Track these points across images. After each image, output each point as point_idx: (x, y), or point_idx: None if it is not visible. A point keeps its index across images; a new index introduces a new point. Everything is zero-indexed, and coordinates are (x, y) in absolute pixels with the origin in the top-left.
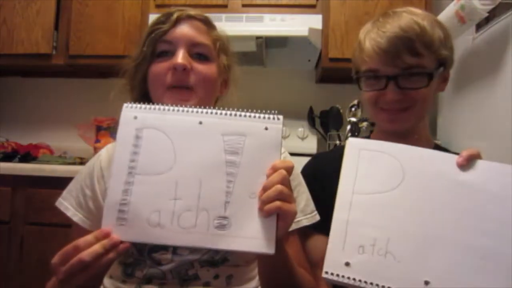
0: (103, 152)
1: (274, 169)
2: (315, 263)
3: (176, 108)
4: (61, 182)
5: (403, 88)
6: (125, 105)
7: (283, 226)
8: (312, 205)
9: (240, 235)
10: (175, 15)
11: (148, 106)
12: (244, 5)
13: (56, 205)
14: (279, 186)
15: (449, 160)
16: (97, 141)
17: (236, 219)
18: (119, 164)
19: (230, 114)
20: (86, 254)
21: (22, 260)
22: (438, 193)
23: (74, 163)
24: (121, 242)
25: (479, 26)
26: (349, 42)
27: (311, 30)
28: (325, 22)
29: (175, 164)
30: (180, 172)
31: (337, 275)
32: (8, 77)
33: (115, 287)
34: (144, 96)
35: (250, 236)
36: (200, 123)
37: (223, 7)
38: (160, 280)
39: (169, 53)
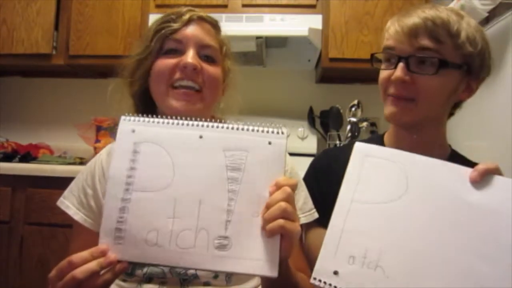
0: (104, 152)
1: (278, 187)
2: (314, 259)
3: (176, 122)
4: (61, 182)
5: (412, 71)
6: (122, 117)
7: (287, 246)
8: (310, 203)
9: (242, 257)
10: (187, 15)
11: (146, 119)
12: (244, 5)
13: (58, 204)
14: (282, 204)
15: (461, 175)
16: (97, 141)
17: (237, 239)
18: (116, 180)
19: (232, 128)
20: (79, 272)
21: (22, 260)
22: (441, 210)
23: (74, 163)
24: (118, 261)
25: None
26: (349, 42)
27: (311, 30)
28: (325, 22)
29: (173, 180)
30: (179, 189)
31: (324, 282)
32: (8, 77)
33: (116, 286)
34: (143, 93)
35: (252, 257)
36: (201, 137)
37: (223, 7)
38: (161, 279)
39: (177, 52)
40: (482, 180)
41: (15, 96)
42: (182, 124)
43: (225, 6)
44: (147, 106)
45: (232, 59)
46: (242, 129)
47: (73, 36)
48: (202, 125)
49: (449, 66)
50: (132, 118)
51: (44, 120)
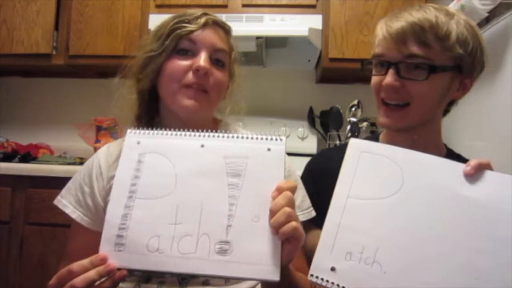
0: (102, 151)
1: (279, 191)
2: (311, 260)
3: (178, 133)
4: (61, 182)
5: (402, 77)
6: (128, 131)
7: (292, 250)
8: (308, 201)
9: (243, 261)
10: (203, 19)
11: (151, 132)
12: (244, 5)
13: (55, 203)
14: (287, 209)
15: (456, 170)
16: (97, 141)
17: (238, 243)
18: (120, 187)
19: (232, 137)
20: (78, 281)
21: (22, 260)
22: (437, 205)
23: (74, 163)
24: (118, 269)
25: (479, 26)
26: (349, 42)
27: (311, 30)
28: (325, 22)
29: (176, 187)
30: (181, 196)
31: (322, 279)
32: (8, 77)
33: None
34: (149, 89)
35: (254, 262)
36: (202, 146)
37: (223, 7)
38: (159, 278)
39: (190, 53)
40: (475, 174)
41: (15, 96)
42: (185, 135)
43: (225, 6)
44: (151, 102)
45: (239, 64)
46: (242, 137)
47: (73, 36)
48: (204, 135)
49: (438, 70)
50: (138, 131)
51: (44, 120)
